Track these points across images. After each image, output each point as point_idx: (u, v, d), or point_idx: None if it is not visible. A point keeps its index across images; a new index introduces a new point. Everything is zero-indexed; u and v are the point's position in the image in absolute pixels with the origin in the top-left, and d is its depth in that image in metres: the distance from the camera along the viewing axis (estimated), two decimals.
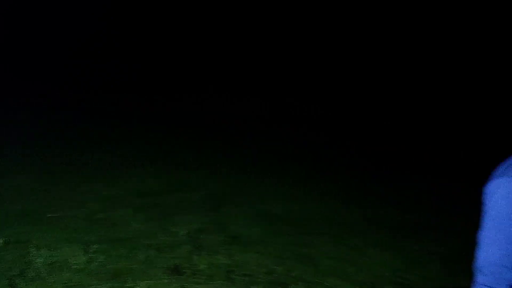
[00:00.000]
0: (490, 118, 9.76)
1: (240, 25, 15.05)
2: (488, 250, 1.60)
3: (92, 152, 7.31)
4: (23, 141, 7.68)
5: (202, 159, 7.41)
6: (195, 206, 5.40)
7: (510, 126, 8.15)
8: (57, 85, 12.68)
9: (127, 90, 12.52)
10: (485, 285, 1.59)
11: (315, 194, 6.08)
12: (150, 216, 5.02)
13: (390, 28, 12.78)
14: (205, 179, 6.37)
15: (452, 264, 4.31)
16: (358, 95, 11.75)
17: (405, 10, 13.46)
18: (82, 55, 15.40)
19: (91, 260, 4.00)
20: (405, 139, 9.43)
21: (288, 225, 5.01)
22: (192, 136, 8.91)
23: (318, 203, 5.75)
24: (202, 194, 5.78)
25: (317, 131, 9.81)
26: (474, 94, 10.64)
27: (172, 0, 16.69)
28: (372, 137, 9.60)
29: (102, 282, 3.66)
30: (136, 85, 13.19)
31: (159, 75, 14.15)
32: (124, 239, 4.44)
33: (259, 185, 6.29)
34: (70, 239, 4.36)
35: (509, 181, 1.55)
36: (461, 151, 8.55)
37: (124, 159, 7.15)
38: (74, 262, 3.94)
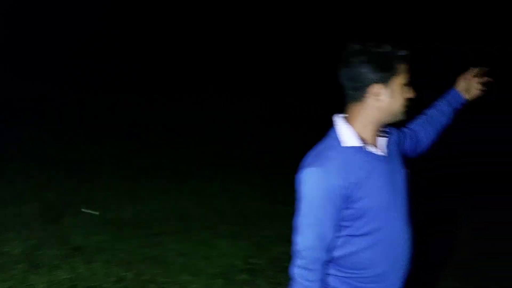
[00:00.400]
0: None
1: (240, 25, 15.05)
2: (303, 234, 1.74)
3: None
4: None
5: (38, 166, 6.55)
6: (30, 219, 4.84)
7: None
8: (57, 85, 12.68)
9: (127, 90, 12.53)
10: (302, 267, 1.73)
11: (168, 194, 5.77)
12: None
13: (390, 28, 12.79)
14: (41, 188, 5.70)
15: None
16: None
17: (404, 9, 13.48)
18: (82, 55, 15.40)
19: None
20: None
21: (137, 228, 4.76)
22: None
23: (171, 202, 5.50)
24: (39, 205, 5.17)
25: (315, 131, 9.80)
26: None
27: (172, 0, 16.69)
28: None
29: None
30: (136, 85, 13.20)
31: (159, 75, 14.16)
32: None
33: (106, 190, 5.78)
34: None
35: (317, 170, 1.70)
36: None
37: None
38: None
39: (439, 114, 2.21)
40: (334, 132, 1.80)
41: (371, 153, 1.77)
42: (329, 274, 1.79)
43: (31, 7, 16.00)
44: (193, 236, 4.60)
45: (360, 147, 1.75)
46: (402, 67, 1.77)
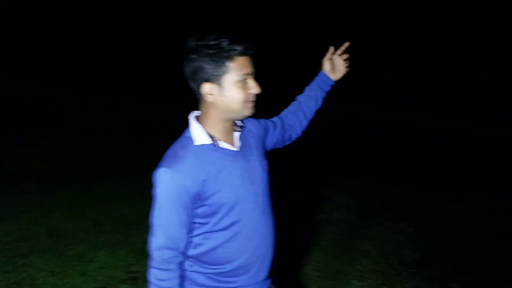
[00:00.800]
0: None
1: (240, 25, 15.06)
2: (155, 235, 1.73)
3: None
4: None
5: None
6: None
7: None
8: (57, 85, 12.69)
9: (127, 90, 12.53)
10: (154, 267, 1.72)
11: (35, 208, 5.12)
12: None
13: (391, 28, 12.79)
14: None
15: None
16: (358, 95, 11.76)
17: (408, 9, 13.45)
18: (82, 55, 15.41)
19: None
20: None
21: None
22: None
23: (39, 218, 4.88)
24: None
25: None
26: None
27: (172, 0, 16.70)
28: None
29: None
30: (136, 85, 13.20)
31: (159, 75, 14.17)
32: None
33: None
34: None
35: (167, 171, 1.69)
36: None
37: None
38: None
39: (308, 99, 2.20)
40: (188, 131, 1.78)
41: (222, 149, 1.75)
42: (193, 271, 1.79)
43: (31, 7, 16.01)
44: (67, 252, 4.16)
45: (211, 144, 1.74)
46: (234, 64, 1.71)
